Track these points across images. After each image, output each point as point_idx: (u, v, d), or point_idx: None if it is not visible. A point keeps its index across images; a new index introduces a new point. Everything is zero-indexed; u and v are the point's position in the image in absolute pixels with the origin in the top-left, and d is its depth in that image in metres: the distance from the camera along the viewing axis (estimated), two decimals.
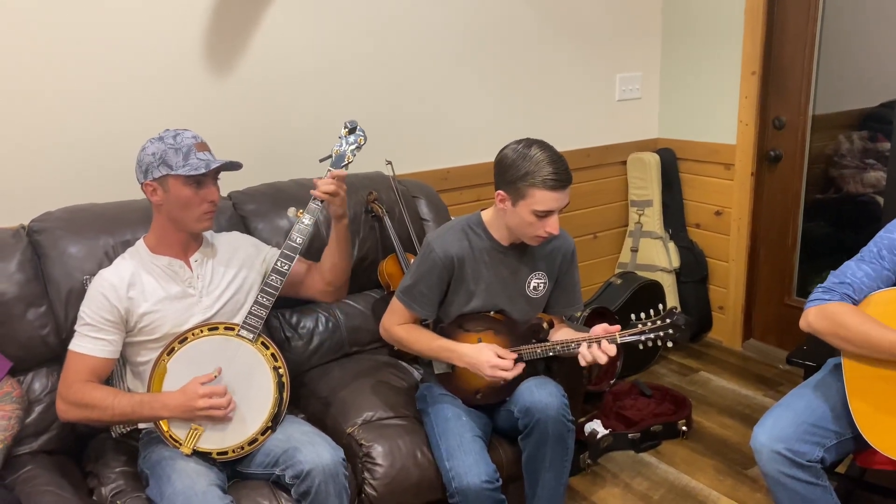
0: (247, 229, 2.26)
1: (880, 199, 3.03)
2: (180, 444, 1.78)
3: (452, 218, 2.63)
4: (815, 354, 2.23)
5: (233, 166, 1.86)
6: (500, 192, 1.86)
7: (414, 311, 1.99)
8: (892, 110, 2.87)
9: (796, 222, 3.29)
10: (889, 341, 1.66)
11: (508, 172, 1.81)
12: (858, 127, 3.08)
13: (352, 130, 1.96)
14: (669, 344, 1.82)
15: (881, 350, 1.69)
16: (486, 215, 1.98)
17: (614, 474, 2.60)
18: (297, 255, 1.90)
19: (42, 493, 1.71)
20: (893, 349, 1.66)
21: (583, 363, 1.83)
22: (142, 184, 1.81)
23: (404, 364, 2.35)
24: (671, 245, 3.55)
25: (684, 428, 2.80)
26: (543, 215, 1.81)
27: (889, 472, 1.91)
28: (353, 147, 1.95)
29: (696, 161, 3.52)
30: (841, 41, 3.02)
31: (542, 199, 1.78)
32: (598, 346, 1.82)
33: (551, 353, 1.91)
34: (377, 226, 2.48)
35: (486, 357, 1.86)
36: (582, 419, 2.75)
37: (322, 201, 1.90)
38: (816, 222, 3.26)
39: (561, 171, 1.78)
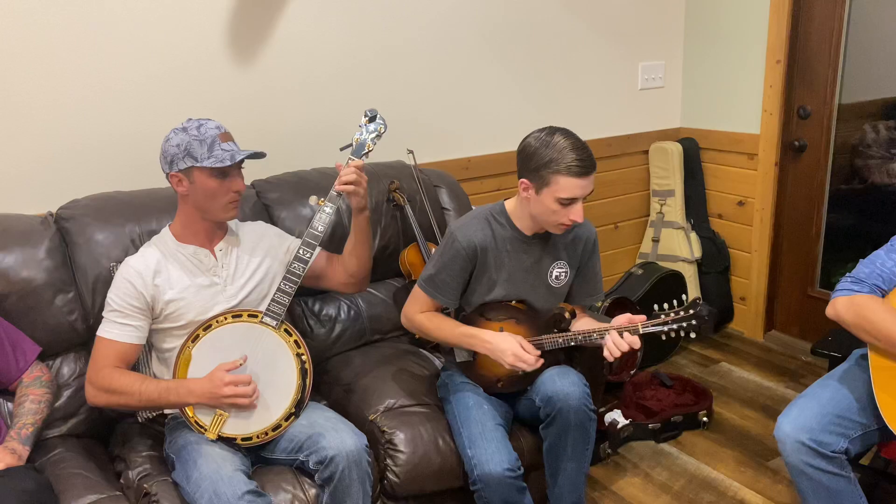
0: (270, 218, 2.28)
1: None
2: (205, 430, 1.80)
3: (474, 207, 2.64)
4: (839, 345, 2.21)
5: (257, 156, 1.87)
6: (523, 180, 1.86)
7: (436, 299, 1.99)
8: None
9: (820, 213, 3.25)
10: None
11: (532, 160, 1.81)
12: (885, 116, 3.03)
13: (372, 119, 1.96)
14: (692, 335, 1.81)
15: None
16: (510, 205, 1.98)
17: (634, 464, 2.60)
18: (319, 244, 1.91)
19: (71, 475, 1.75)
20: None
21: (609, 358, 1.83)
22: (167, 174, 1.83)
23: (425, 352, 2.36)
24: (693, 235, 3.53)
25: (705, 419, 2.78)
26: (567, 203, 1.80)
27: None
28: (373, 135, 1.95)
29: (719, 151, 3.49)
30: (869, 28, 2.97)
31: (566, 185, 1.78)
32: (620, 337, 1.81)
33: (573, 343, 1.91)
34: (398, 215, 2.49)
35: (510, 346, 1.87)
36: (602, 409, 2.75)
37: (334, 208, 1.90)
38: (841, 213, 3.22)
39: (585, 157, 1.78)
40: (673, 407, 2.81)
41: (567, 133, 1.81)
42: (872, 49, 2.99)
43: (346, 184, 1.88)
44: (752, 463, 2.57)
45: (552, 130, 1.82)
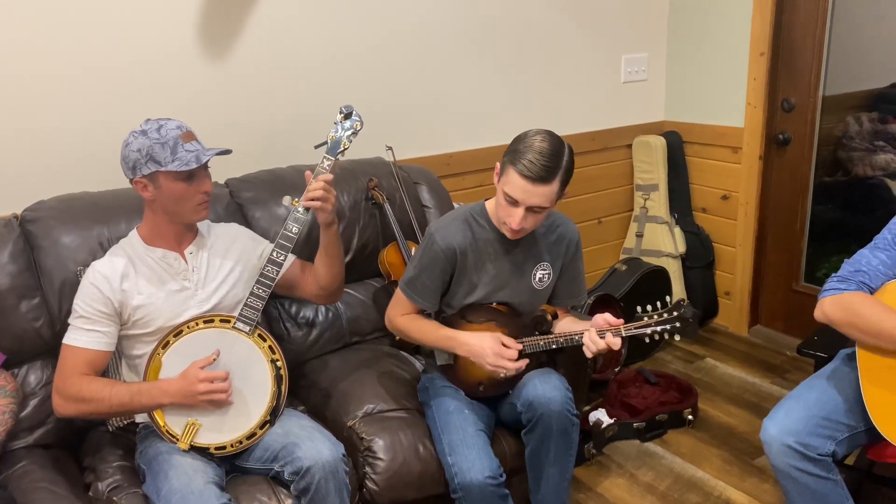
0: (244, 217, 2.21)
1: (890, 182, 2.97)
2: (177, 439, 1.74)
3: (455, 205, 2.58)
4: (826, 345, 2.18)
5: (222, 153, 1.80)
6: (498, 164, 1.82)
7: (416, 302, 1.95)
8: None
9: (805, 206, 3.23)
10: None
11: (509, 146, 1.77)
12: (868, 108, 3.01)
13: (347, 115, 1.90)
14: (677, 337, 1.77)
15: None
16: (490, 205, 1.93)
17: (619, 464, 2.57)
18: (294, 246, 1.85)
19: (36, 489, 1.68)
20: None
21: (589, 354, 1.79)
22: (131, 180, 1.76)
23: (406, 354, 2.31)
24: (677, 230, 3.49)
25: (690, 417, 2.76)
26: (511, 202, 1.75)
27: None
28: (348, 133, 1.89)
29: (703, 144, 3.45)
30: (852, 20, 2.94)
31: (512, 181, 1.72)
32: (599, 337, 1.77)
33: (554, 346, 1.87)
34: (378, 213, 2.43)
35: (489, 344, 1.82)
36: (587, 408, 2.72)
37: (308, 209, 1.83)
38: (825, 206, 3.20)
39: (539, 163, 1.68)
40: (658, 405, 2.78)
41: (546, 137, 1.73)
42: (856, 40, 2.96)
43: (312, 199, 1.80)
44: (738, 462, 2.55)
45: (542, 132, 1.75)
